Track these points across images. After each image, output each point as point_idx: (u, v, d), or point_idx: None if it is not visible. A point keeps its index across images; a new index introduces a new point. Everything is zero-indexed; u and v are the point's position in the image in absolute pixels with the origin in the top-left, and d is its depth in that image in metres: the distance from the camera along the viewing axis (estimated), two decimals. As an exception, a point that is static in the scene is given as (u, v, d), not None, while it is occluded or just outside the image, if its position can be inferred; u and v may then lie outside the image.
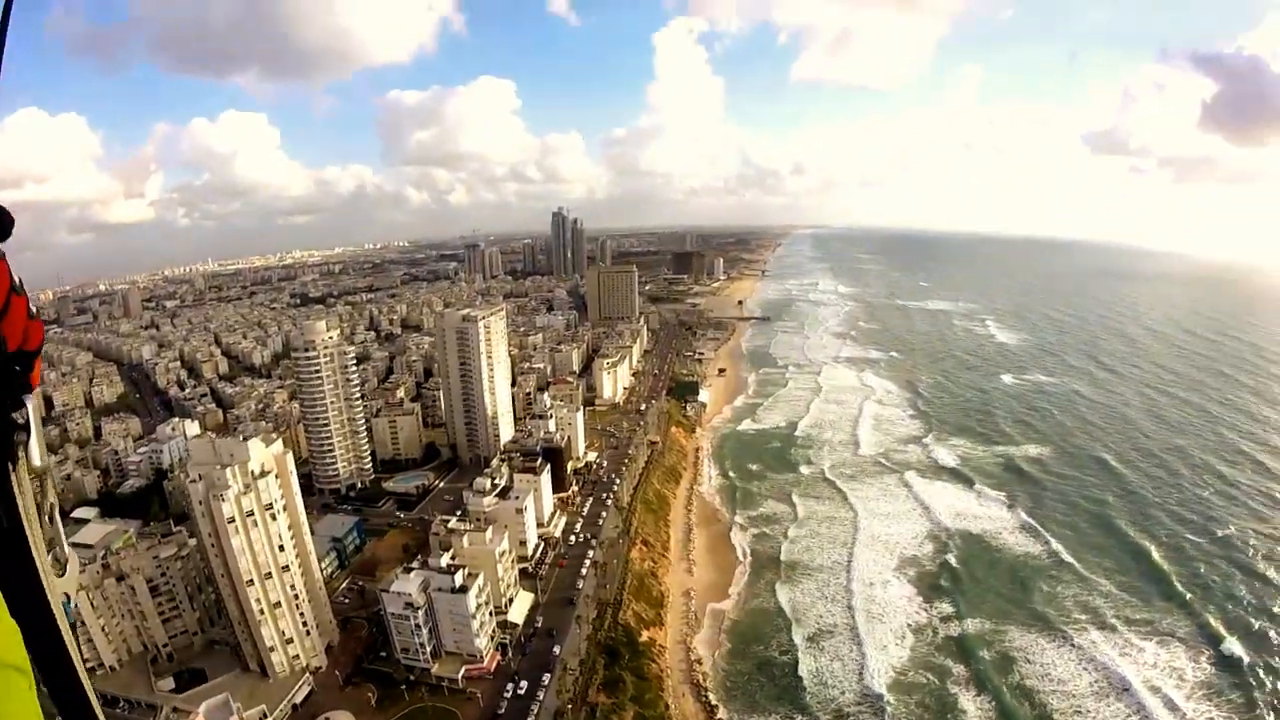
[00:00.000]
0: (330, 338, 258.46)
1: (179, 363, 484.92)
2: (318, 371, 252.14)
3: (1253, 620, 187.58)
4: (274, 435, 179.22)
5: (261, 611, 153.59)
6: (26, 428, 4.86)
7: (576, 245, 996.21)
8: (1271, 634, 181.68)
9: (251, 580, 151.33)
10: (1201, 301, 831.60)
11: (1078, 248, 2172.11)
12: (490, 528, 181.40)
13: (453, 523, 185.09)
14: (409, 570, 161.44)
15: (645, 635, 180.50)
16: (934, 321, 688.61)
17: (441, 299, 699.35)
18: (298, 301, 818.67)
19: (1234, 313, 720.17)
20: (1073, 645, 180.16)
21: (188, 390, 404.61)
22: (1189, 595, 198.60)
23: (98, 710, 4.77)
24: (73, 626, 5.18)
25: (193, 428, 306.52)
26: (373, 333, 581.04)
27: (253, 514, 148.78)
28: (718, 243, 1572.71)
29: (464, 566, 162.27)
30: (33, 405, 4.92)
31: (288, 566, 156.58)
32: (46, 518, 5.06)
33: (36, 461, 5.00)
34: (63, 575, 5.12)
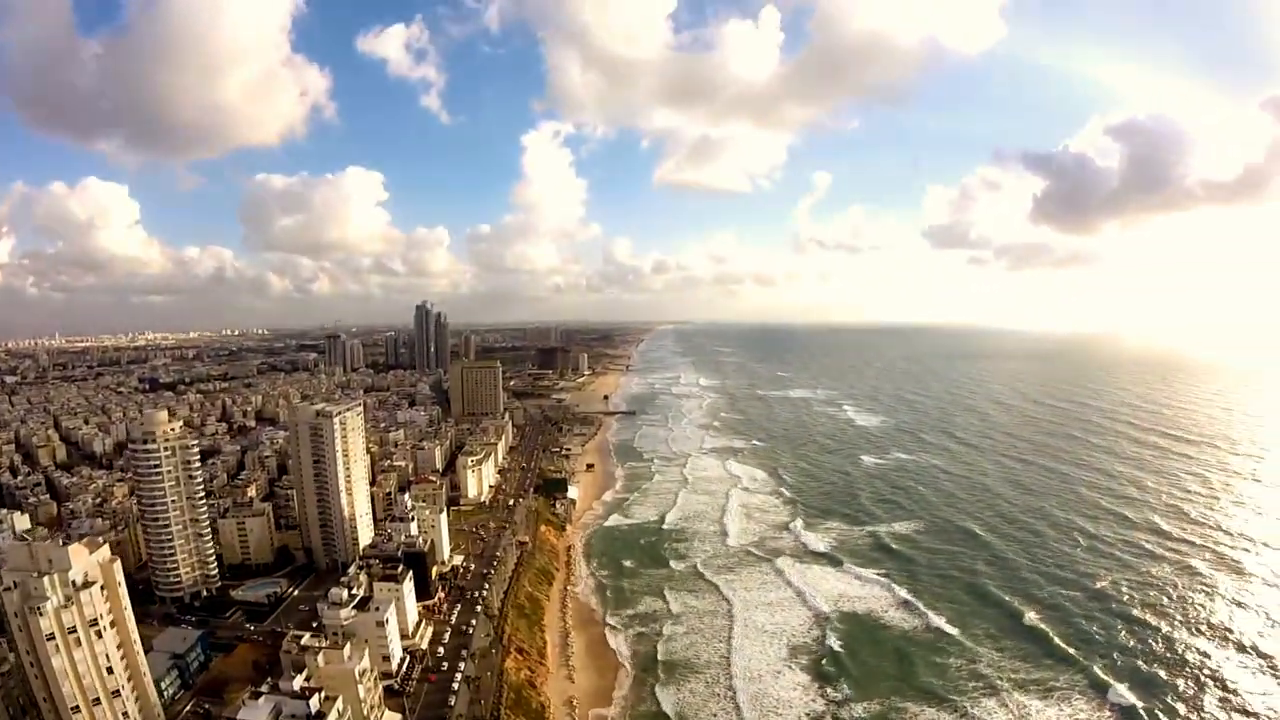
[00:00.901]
0: (172, 429, 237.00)
1: (13, 445, 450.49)
2: (157, 467, 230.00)
3: (1141, 665, 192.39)
4: (100, 540, 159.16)
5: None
6: None
7: (440, 339, 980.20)
8: (1161, 675, 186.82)
9: (77, 707, 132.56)
10: (1043, 373, 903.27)
11: (925, 332, 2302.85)
12: (348, 644, 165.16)
13: (306, 639, 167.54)
14: (258, 695, 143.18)
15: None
16: (794, 408, 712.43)
17: (299, 390, 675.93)
18: (146, 386, 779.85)
19: (1074, 380, 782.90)
20: (969, 715, 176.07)
21: (20, 478, 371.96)
22: (1074, 650, 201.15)
23: None
24: None
25: (22, 521, 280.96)
26: (225, 424, 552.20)
27: (75, 630, 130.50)
28: (582, 338, 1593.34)
29: (320, 689, 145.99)
30: None
31: (118, 691, 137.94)
32: None
33: None
34: None
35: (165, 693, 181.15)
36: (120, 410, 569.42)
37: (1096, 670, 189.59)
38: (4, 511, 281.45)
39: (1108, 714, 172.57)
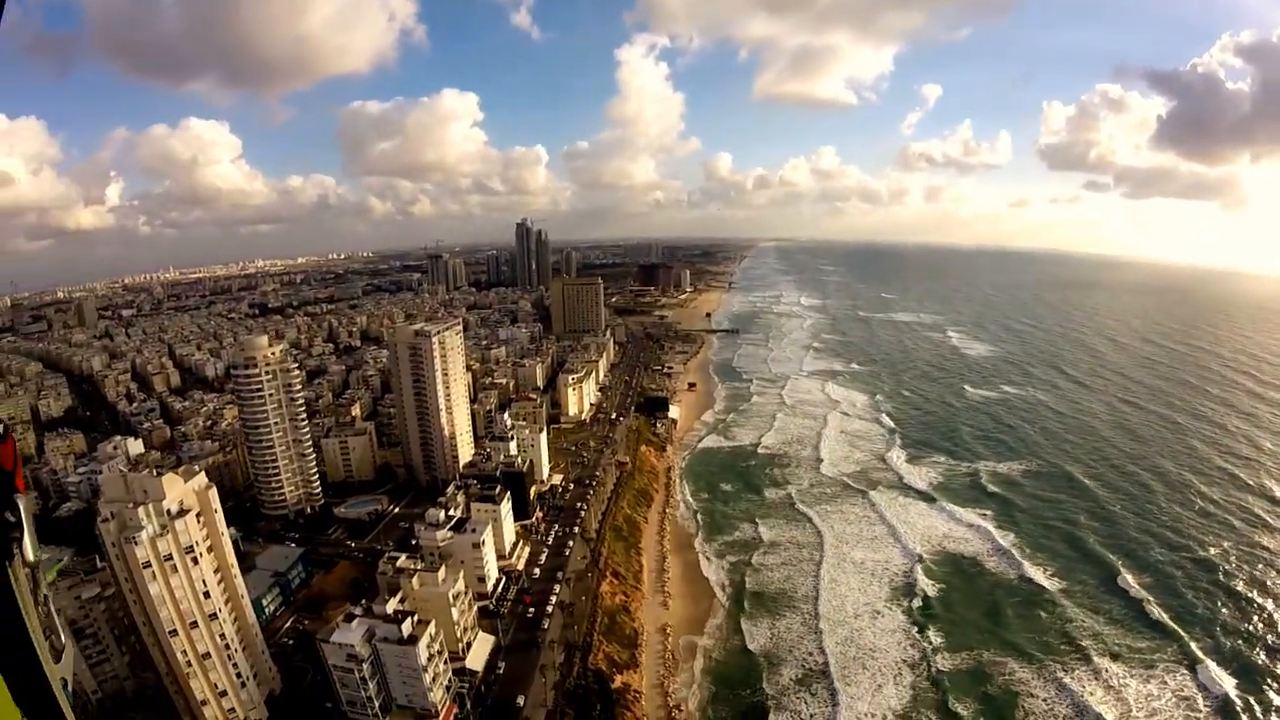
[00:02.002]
0: (273, 353, 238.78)
1: (130, 375, 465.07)
2: (259, 390, 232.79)
3: (1240, 645, 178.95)
4: (196, 468, 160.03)
5: (189, 664, 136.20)
6: (19, 525, 5.02)
7: (541, 257, 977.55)
8: (1260, 659, 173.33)
9: (175, 630, 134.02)
10: (1160, 309, 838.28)
11: (1037, 258, 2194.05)
12: (443, 566, 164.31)
13: (402, 560, 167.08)
14: (351, 618, 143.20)
15: (618, 680, 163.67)
16: (897, 332, 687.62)
17: (403, 310, 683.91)
18: (256, 311, 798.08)
19: (1193, 320, 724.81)
20: (1055, 680, 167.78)
21: (135, 405, 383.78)
22: (1171, 620, 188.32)
23: None
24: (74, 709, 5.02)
25: (136, 446, 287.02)
26: (331, 345, 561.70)
27: (170, 558, 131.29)
28: (684, 255, 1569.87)
29: (414, 613, 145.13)
30: (24, 504, 5.03)
31: (215, 615, 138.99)
32: (41, 607, 5.15)
33: (30, 556, 5.11)
34: (59, 661, 5.20)
35: (266, 610, 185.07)
36: (231, 335, 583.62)
37: (1192, 645, 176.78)
38: (118, 438, 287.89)
39: (1196, 692, 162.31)
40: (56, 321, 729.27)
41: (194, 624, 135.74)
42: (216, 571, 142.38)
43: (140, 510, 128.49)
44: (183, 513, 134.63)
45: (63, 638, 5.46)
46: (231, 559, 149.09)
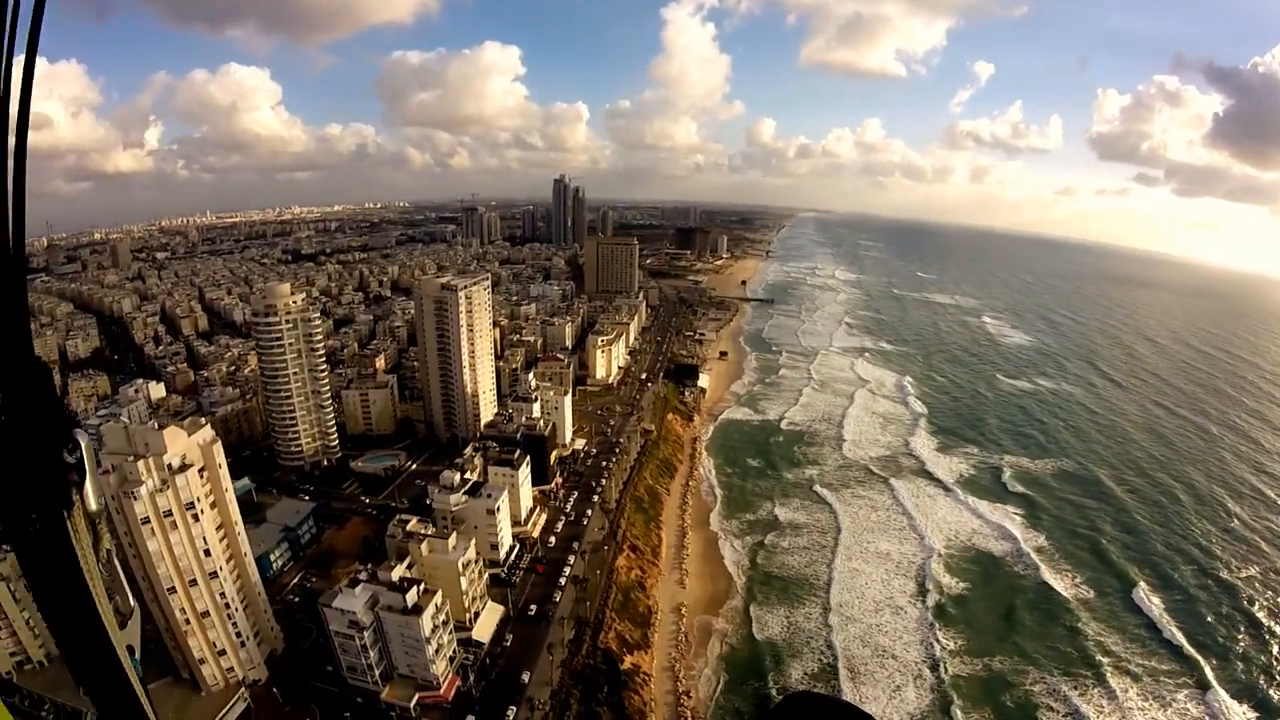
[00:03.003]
0: (295, 302, 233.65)
1: (159, 317, 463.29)
2: (279, 339, 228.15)
3: (1258, 678, 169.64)
4: (203, 420, 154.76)
5: (187, 621, 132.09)
6: (80, 467, 4.47)
7: (577, 214, 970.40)
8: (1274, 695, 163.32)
9: (173, 588, 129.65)
10: (1201, 313, 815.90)
11: (1080, 249, 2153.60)
12: (455, 533, 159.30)
13: (413, 524, 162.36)
14: (356, 583, 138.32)
15: (629, 661, 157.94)
16: (932, 313, 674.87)
17: (436, 261, 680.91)
18: (289, 258, 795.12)
19: (1234, 327, 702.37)
20: (1060, 694, 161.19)
21: (161, 348, 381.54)
22: (1189, 643, 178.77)
23: None
24: (143, 680, 5.08)
25: (157, 390, 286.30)
26: (361, 294, 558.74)
27: (171, 514, 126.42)
28: (722, 220, 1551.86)
29: (420, 581, 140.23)
30: (85, 442, 4.55)
31: (215, 573, 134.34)
32: (103, 565, 4.81)
33: (93, 505, 4.61)
34: (124, 627, 4.92)
35: (274, 565, 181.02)
36: (262, 280, 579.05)
37: (1206, 671, 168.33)
38: (140, 381, 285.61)
39: (1200, 712, 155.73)
40: (91, 263, 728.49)
41: (193, 582, 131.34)
42: (219, 528, 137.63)
43: (140, 464, 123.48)
44: (184, 468, 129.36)
45: (130, 599, 5.10)
46: (236, 516, 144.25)
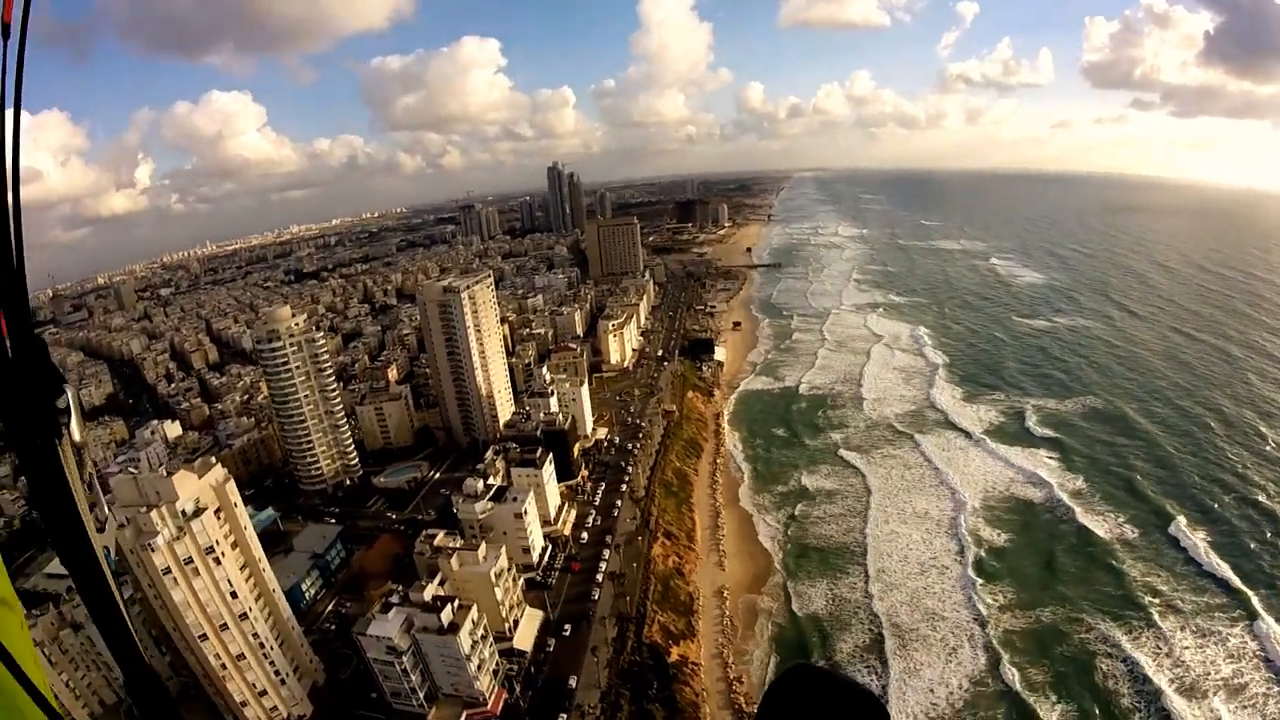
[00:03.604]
0: (296, 324, 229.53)
1: (169, 354, 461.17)
2: (285, 363, 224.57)
3: None
4: (213, 460, 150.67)
5: (224, 666, 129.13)
6: (67, 411, 5.61)
7: (574, 200, 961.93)
8: None
9: (204, 635, 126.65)
10: (1211, 233, 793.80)
11: (1082, 181, 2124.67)
12: (484, 544, 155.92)
13: (440, 538, 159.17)
14: (388, 607, 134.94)
15: (675, 653, 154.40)
16: (940, 260, 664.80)
17: (438, 264, 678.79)
18: (292, 278, 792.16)
19: (1245, 244, 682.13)
20: (1108, 638, 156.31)
21: (174, 385, 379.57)
22: (1233, 574, 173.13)
23: (139, 644, 5.57)
24: (115, 574, 5.98)
25: (173, 429, 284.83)
26: (367, 305, 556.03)
27: (191, 561, 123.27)
28: (720, 190, 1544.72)
29: (454, 598, 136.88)
30: (70, 393, 5.67)
31: (245, 614, 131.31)
32: (85, 484, 5.74)
33: (77, 437, 5.67)
34: (102, 531, 5.85)
35: (306, 595, 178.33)
36: (266, 304, 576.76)
37: (1254, 601, 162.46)
38: (155, 422, 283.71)
39: (1253, 645, 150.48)
40: (97, 308, 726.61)
41: (224, 626, 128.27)
42: (243, 568, 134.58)
43: (154, 514, 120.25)
44: (199, 512, 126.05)
45: (105, 511, 5.96)
46: (259, 552, 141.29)
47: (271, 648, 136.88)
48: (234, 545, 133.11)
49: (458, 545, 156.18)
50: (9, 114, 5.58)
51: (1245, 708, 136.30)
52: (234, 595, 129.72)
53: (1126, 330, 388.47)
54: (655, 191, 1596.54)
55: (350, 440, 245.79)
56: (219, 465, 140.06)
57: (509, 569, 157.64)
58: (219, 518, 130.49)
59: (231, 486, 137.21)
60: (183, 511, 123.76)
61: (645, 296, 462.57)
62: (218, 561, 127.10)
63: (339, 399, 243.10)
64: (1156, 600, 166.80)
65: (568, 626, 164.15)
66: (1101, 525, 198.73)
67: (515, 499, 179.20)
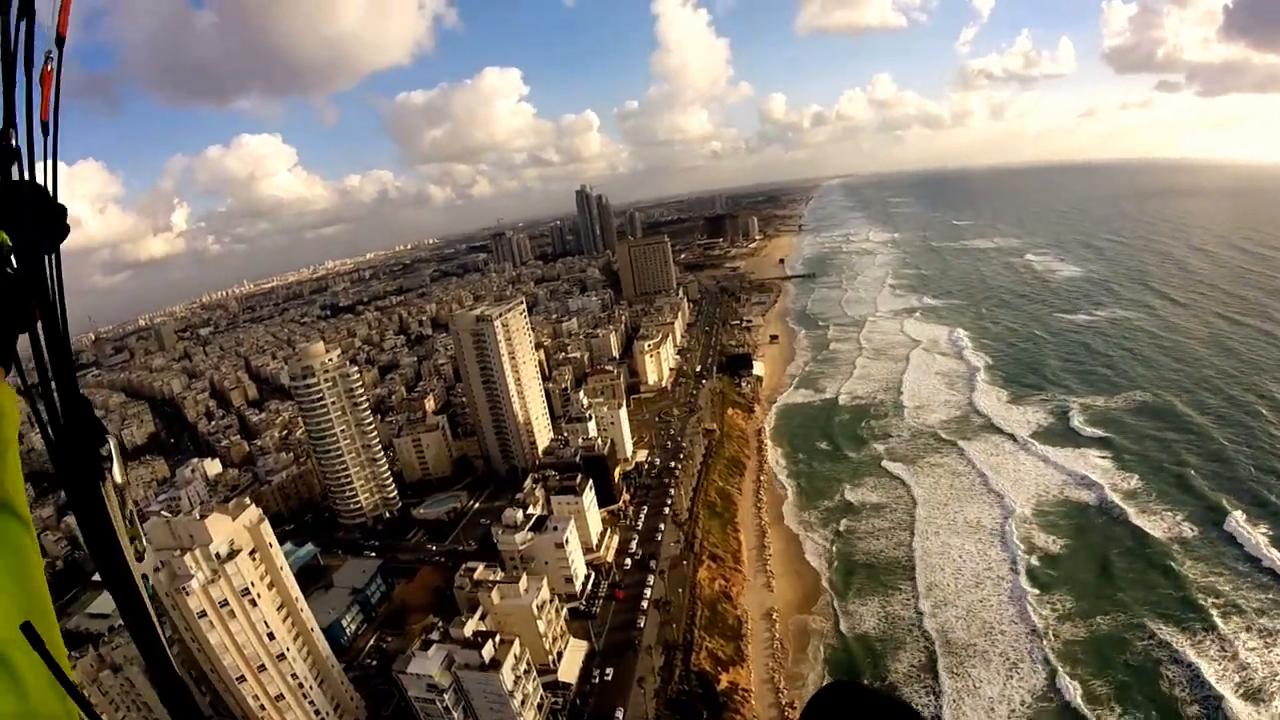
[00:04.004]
0: (330, 360, 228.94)
1: (209, 393, 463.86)
2: (321, 400, 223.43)
3: None
4: (247, 500, 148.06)
5: (263, 708, 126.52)
6: (109, 457, 5.94)
7: (604, 221, 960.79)
8: None
9: (242, 676, 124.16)
10: (1247, 213, 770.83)
11: (1112, 169, 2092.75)
12: (524, 575, 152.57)
13: (480, 571, 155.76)
14: (429, 644, 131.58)
15: (725, 680, 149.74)
16: (973, 260, 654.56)
17: (472, 292, 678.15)
18: (328, 313, 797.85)
19: (1278, 223, 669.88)
20: (1170, 648, 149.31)
21: (214, 423, 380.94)
22: None
23: (174, 662, 5.83)
24: (151, 597, 6.28)
25: (213, 466, 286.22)
26: (402, 336, 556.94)
27: (227, 603, 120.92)
28: (748, 203, 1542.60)
29: (495, 633, 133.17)
30: (113, 441, 6.00)
31: (283, 655, 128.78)
32: (126, 520, 6.06)
33: (118, 479, 6.03)
34: (141, 560, 6.14)
35: (347, 631, 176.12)
36: (304, 339, 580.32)
37: None
38: (195, 460, 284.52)
39: None
40: (138, 349, 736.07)
41: (261, 667, 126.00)
42: (280, 607, 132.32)
43: (188, 557, 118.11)
44: (233, 554, 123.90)
45: (144, 543, 6.37)
46: (296, 592, 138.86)
47: (311, 687, 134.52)
48: (270, 586, 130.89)
49: (498, 578, 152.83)
50: (47, 187, 5.98)
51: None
52: (271, 636, 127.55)
53: (1169, 319, 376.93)
54: (684, 209, 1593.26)
55: (388, 473, 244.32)
56: (252, 506, 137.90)
57: (551, 600, 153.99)
58: (254, 558, 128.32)
59: (266, 527, 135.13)
60: (217, 554, 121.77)
61: (680, 314, 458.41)
62: (254, 603, 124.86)
63: (375, 432, 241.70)
64: (1218, 601, 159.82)
65: (610, 670, 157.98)
66: (1156, 525, 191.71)
67: (556, 528, 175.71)
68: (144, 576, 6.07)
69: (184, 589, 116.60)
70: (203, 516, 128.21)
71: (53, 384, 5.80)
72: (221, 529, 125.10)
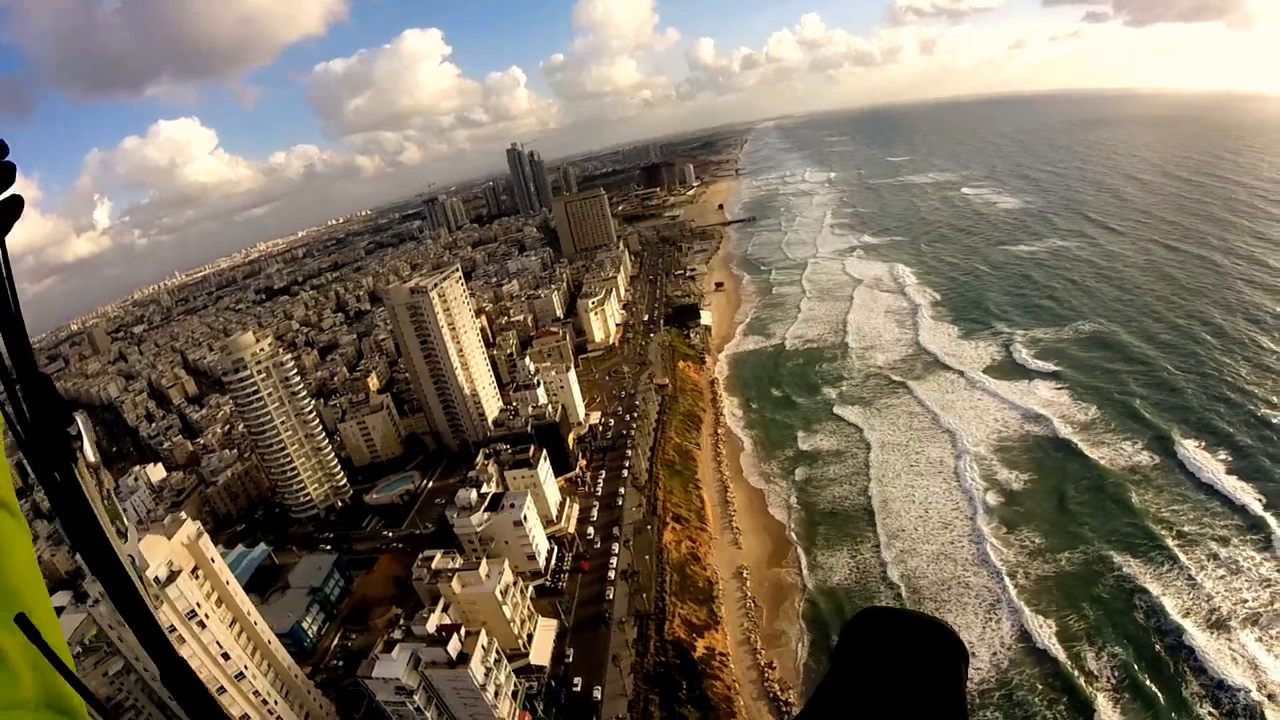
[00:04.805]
0: (262, 349, 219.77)
1: (147, 393, 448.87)
2: (256, 392, 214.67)
3: None
4: (183, 515, 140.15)
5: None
6: (79, 436, 5.67)
7: (539, 179, 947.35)
8: None
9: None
10: (1178, 140, 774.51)
11: (1044, 101, 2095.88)
12: (484, 560, 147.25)
13: (438, 559, 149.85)
14: (391, 645, 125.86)
15: (701, 646, 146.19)
16: (911, 196, 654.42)
17: (408, 261, 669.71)
18: (263, 296, 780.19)
19: (1213, 149, 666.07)
20: (1127, 575, 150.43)
21: (154, 424, 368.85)
22: (1250, 494, 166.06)
23: (168, 638, 5.32)
24: (140, 578, 5.88)
25: (156, 472, 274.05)
26: (340, 315, 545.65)
27: (174, 629, 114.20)
28: (684, 150, 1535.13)
29: (459, 625, 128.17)
30: (81, 420, 5.73)
31: (241, 673, 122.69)
32: (106, 500, 5.81)
33: (91, 459, 5.76)
34: (125, 541, 5.90)
35: (309, 633, 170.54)
36: (239, 327, 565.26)
37: (1271, 523, 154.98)
38: (137, 467, 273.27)
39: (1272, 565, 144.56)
40: (72, 355, 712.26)
41: (221, 690, 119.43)
42: (233, 624, 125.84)
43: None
44: (173, 575, 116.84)
45: (125, 522, 6.08)
46: (247, 605, 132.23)
47: (276, 701, 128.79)
48: (218, 603, 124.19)
49: (457, 565, 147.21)
50: None
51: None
52: (226, 657, 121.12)
53: (1108, 248, 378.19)
54: (619, 160, 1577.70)
55: (335, 460, 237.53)
56: (188, 520, 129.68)
57: (515, 582, 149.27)
58: (197, 577, 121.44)
59: (206, 541, 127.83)
60: (156, 579, 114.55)
61: (622, 268, 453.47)
62: (202, 625, 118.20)
63: (318, 420, 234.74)
64: (1171, 533, 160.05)
65: (583, 648, 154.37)
66: (1110, 457, 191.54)
67: (513, 505, 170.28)
68: (130, 557, 5.74)
69: (122, 622, 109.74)
70: (139, 539, 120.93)
71: (9, 364, 5.44)
72: (157, 551, 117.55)
